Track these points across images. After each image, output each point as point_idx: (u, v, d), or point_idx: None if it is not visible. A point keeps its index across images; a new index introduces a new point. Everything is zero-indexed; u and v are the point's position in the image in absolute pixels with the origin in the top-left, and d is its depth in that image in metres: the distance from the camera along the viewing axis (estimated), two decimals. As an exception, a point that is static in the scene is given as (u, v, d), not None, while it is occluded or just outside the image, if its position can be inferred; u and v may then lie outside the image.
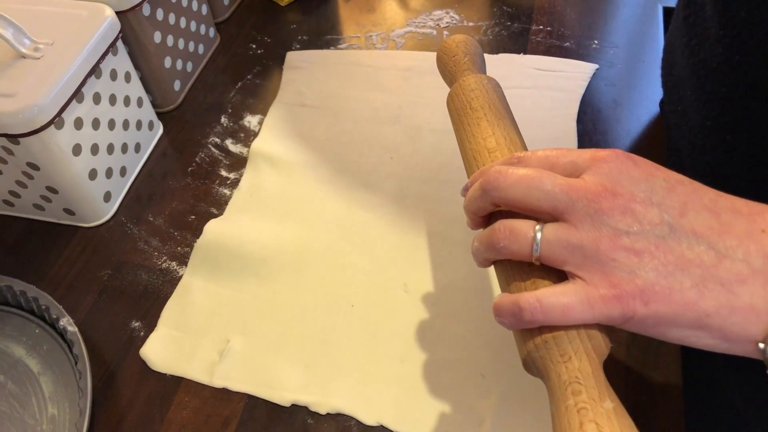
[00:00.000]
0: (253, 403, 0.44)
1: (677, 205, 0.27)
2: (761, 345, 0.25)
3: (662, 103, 0.57)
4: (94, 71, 0.51)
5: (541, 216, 0.30)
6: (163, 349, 0.47)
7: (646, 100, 0.61)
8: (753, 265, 0.26)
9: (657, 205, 0.27)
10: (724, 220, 0.27)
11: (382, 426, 0.42)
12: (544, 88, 0.62)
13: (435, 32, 0.69)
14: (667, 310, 0.26)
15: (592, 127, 0.59)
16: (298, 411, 0.44)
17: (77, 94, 0.49)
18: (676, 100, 0.44)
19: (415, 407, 0.43)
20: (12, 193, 0.54)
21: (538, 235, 0.29)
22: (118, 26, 0.52)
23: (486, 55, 0.65)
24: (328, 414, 0.43)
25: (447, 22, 0.70)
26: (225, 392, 0.45)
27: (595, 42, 0.66)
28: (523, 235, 0.29)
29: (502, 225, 0.30)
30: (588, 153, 0.30)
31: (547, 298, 0.28)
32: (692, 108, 0.43)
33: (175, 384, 0.46)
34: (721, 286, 0.26)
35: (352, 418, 0.43)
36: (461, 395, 0.43)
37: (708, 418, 0.49)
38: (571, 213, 0.28)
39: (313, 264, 0.51)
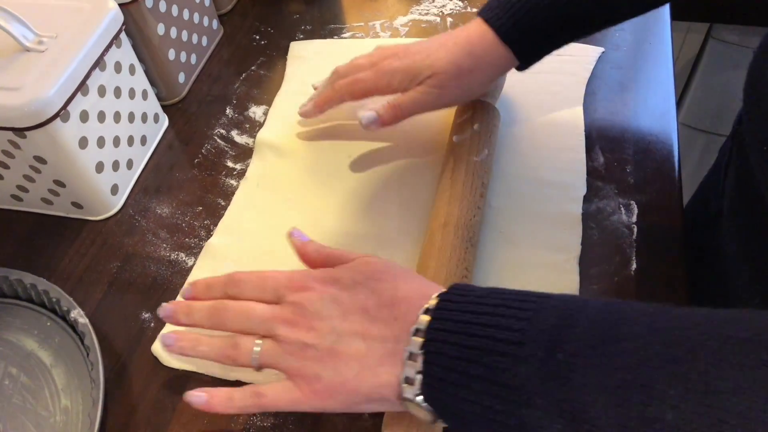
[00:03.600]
0: (264, 391, 0.44)
1: (340, 314, 0.36)
2: (401, 402, 0.34)
3: (739, 121, 0.51)
4: (99, 64, 0.51)
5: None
6: (175, 343, 0.47)
7: (653, 82, 0.60)
8: (387, 348, 0.34)
9: (327, 318, 0.36)
10: (372, 315, 0.35)
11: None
12: (550, 72, 0.61)
13: (439, 19, 0.69)
14: (346, 398, 0.35)
15: (598, 110, 0.58)
16: (310, 398, 0.44)
17: (82, 87, 0.49)
18: (763, 137, 0.38)
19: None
20: (20, 187, 0.54)
21: (256, 348, 0.38)
22: (121, 18, 0.52)
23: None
24: (339, 401, 0.43)
25: (451, 9, 0.70)
26: (236, 382, 0.45)
27: (601, 25, 0.66)
28: (245, 348, 0.38)
29: (233, 339, 0.39)
30: (282, 281, 0.39)
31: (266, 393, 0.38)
32: None
33: (187, 374, 0.46)
34: (369, 371, 0.35)
35: (363, 405, 0.43)
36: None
37: None
38: (274, 336, 0.38)
39: (321, 252, 0.51)
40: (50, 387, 0.46)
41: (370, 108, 0.50)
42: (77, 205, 0.55)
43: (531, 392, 0.29)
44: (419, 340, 0.33)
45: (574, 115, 0.57)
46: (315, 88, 0.58)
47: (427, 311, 0.33)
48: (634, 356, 0.27)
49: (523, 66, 0.50)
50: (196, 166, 0.59)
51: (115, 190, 0.56)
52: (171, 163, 0.60)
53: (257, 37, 0.71)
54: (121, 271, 0.52)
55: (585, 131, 0.56)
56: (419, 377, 0.32)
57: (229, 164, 0.59)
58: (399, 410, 0.36)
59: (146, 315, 0.49)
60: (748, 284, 0.46)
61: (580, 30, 0.49)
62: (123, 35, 0.53)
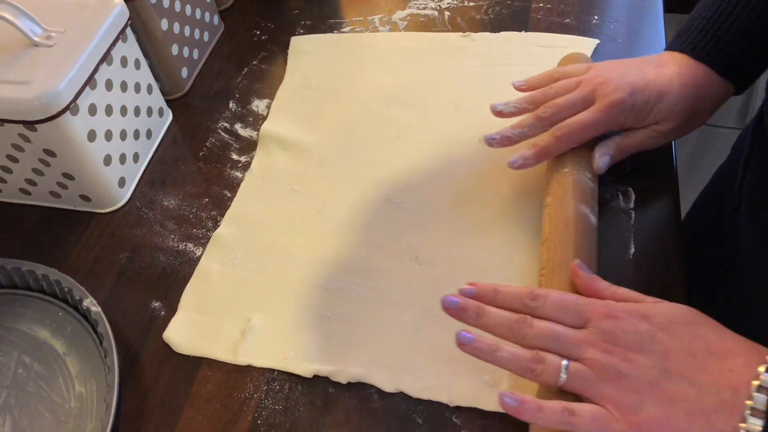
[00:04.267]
0: (275, 375, 0.46)
1: (661, 351, 0.35)
2: None
3: (760, 117, 0.52)
4: (106, 58, 0.51)
5: None
6: (186, 332, 0.48)
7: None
8: (722, 398, 0.33)
9: (646, 353, 0.35)
10: (700, 361, 0.35)
11: (401, 392, 0.44)
12: (547, 65, 0.62)
13: (437, 13, 0.70)
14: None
15: (595, 100, 0.60)
16: (320, 381, 0.45)
17: (90, 81, 0.50)
18: None
19: (432, 374, 0.44)
20: (29, 181, 0.55)
21: (565, 364, 0.37)
22: (126, 13, 0.53)
23: (488, 34, 0.66)
24: (348, 383, 0.44)
25: (448, 3, 0.71)
26: (247, 366, 0.46)
27: (595, 17, 0.67)
28: (553, 365, 0.37)
29: (537, 354, 0.37)
30: (588, 307, 0.38)
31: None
32: None
33: (198, 360, 0.47)
34: (701, 415, 0.33)
35: (372, 386, 0.44)
36: (477, 361, 0.44)
37: None
38: (583, 359, 0.37)
39: (327, 240, 0.52)
40: (64, 375, 0.47)
41: (601, 148, 0.48)
42: (85, 198, 0.56)
43: None
44: (764, 396, 0.32)
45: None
46: (507, 113, 0.52)
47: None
48: None
49: (739, 92, 0.49)
50: (201, 159, 0.60)
51: (122, 182, 0.57)
52: (176, 156, 0.61)
53: (258, 33, 0.72)
54: (129, 262, 0.53)
55: (582, 120, 0.58)
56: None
57: (234, 157, 0.60)
58: None
59: (156, 304, 0.50)
60: (763, 287, 0.47)
61: None
62: (128, 30, 0.54)
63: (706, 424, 0.33)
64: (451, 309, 0.39)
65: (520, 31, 0.66)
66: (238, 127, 0.62)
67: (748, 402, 0.33)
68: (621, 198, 0.52)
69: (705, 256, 0.57)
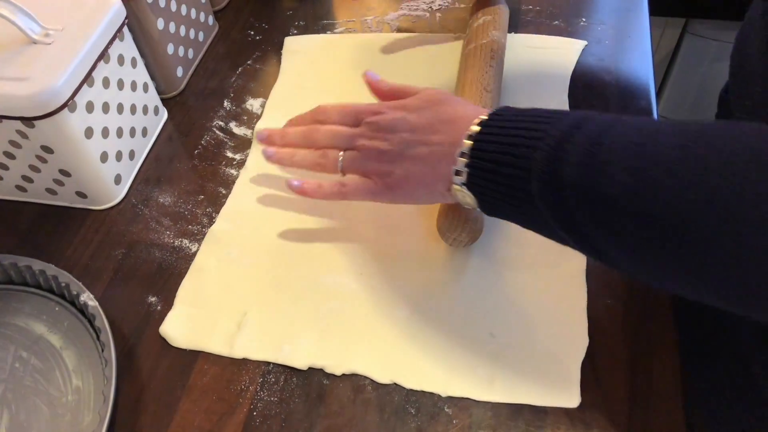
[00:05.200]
0: (271, 367, 0.46)
1: (409, 128, 0.45)
2: (450, 192, 0.43)
3: (725, 92, 0.57)
4: (103, 56, 0.52)
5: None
6: (182, 326, 0.49)
7: (634, 74, 0.63)
8: (445, 150, 0.42)
9: (398, 132, 0.45)
10: (436, 128, 0.44)
11: (394, 383, 0.45)
12: (536, 65, 0.64)
13: (428, 14, 0.71)
14: (410, 189, 0.45)
15: (583, 100, 0.61)
16: (315, 373, 0.46)
17: (88, 78, 0.51)
18: (745, 94, 0.46)
19: (426, 365, 0.45)
20: (25, 178, 0.55)
21: (341, 156, 0.48)
22: (123, 12, 0.54)
23: (479, 35, 0.68)
24: (343, 375, 0.45)
25: (440, 4, 0.72)
26: (243, 359, 0.47)
27: (583, 20, 0.69)
28: (333, 157, 0.48)
29: (322, 152, 0.49)
30: (362, 109, 0.49)
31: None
32: (761, 107, 0.44)
33: (194, 353, 0.48)
34: (431, 166, 0.43)
35: (366, 378, 0.45)
36: (470, 353, 0.45)
37: (703, 355, 0.52)
38: (355, 147, 0.48)
39: (322, 235, 0.53)
40: (61, 368, 0.48)
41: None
42: (81, 195, 0.56)
43: (536, 170, 0.37)
44: (469, 143, 0.41)
45: (561, 105, 0.60)
46: None
47: (478, 124, 0.41)
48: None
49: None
50: (196, 157, 0.61)
51: (118, 179, 0.57)
52: (171, 154, 0.62)
53: (252, 33, 0.72)
54: (126, 258, 0.54)
55: (571, 119, 0.59)
56: (467, 170, 0.41)
57: (229, 155, 0.61)
58: (447, 201, 0.46)
59: (152, 299, 0.51)
60: None
61: None
62: (125, 29, 0.55)
63: (433, 171, 0.43)
64: (262, 138, 0.52)
65: (510, 32, 0.68)
66: (232, 125, 0.63)
67: (460, 149, 0.41)
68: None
69: None
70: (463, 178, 0.41)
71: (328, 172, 0.49)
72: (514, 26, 0.68)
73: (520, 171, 0.38)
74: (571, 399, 0.43)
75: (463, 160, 0.41)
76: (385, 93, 0.51)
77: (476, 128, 0.41)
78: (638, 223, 0.33)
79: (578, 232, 0.37)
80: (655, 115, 0.60)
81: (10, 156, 0.53)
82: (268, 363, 0.47)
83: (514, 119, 0.40)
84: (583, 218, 0.36)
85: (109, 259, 0.54)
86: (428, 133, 0.44)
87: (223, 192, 0.57)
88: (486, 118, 0.41)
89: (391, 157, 0.45)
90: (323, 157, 0.48)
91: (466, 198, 0.42)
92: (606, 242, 0.35)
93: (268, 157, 0.51)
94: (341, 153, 0.48)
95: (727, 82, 0.55)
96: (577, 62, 0.64)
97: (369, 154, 0.46)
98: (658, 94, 1.12)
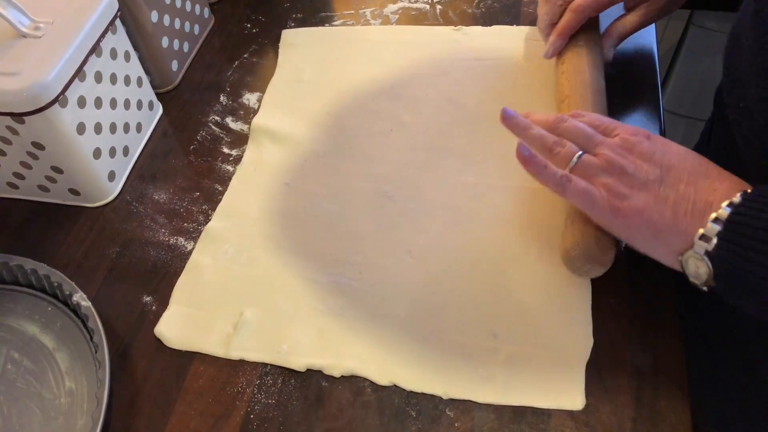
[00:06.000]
0: (268, 369, 0.45)
1: (666, 165, 0.40)
2: (681, 254, 0.39)
3: (719, 90, 0.55)
4: (95, 50, 0.51)
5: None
6: (178, 327, 0.48)
7: (639, 66, 0.62)
8: (697, 206, 0.38)
9: (653, 163, 0.41)
10: (693, 179, 0.39)
11: (394, 385, 0.44)
12: (538, 58, 0.63)
13: (428, 6, 0.70)
14: (635, 224, 0.40)
15: (587, 93, 0.60)
16: (313, 375, 0.45)
17: (79, 73, 0.49)
18: (738, 95, 0.44)
19: (426, 366, 0.44)
20: (16, 175, 0.54)
21: (580, 154, 0.43)
22: (116, 5, 0.53)
23: (479, 28, 0.66)
24: (342, 376, 0.44)
25: (440, -4, 0.71)
26: (240, 361, 0.46)
27: (587, 11, 0.67)
28: (570, 150, 0.43)
29: (560, 141, 0.44)
30: (619, 126, 0.43)
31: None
32: (755, 108, 0.43)
33: (190, 354, 0.47)
34: (673, 214, 0.39)
35: (365, 380, 0.44)
36: (472, 354, 0.44)
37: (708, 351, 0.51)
38: (597, 154, 0.43)
39: (320, 234, 0.52)
40: (54, 370, 0.47)
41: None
42: (74, 192, 0.55)
43: None
44: (727, 211, 0.36)
45: (564, 99, 0.59)
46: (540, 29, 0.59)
47: (742, 194, 0.37)
48: None
49: None
50: (191, 153, 0.60)
51: (111, 176, 0.56)
52: (166, 150, 0.60)
53: (248, 26, 0.71)
54: (120, 256, 0.53)
55: (574, 113, 0.58)
56: (716, 239, 0.36)
57: (225, 150, 0.59)
58: (665, 261, 0.40)
59: (147, 298, 0.50)
60: None
61: None
62: (118, 22, 0.54)
63: (674, 222, 0.39)
64: (508, 115, 0.45)
65: (511, 24, 0.66)
66: (229, 120, 0.62)
67: (714, 214, 0.37)
68: (613, 191, 0.52)
69: None
70: (708, 246, 0.37)
71: (555, 162, 0.43)
72: (516, 18, 0.67)
73: None
74: (576, 401, 0.42)
75: (717, 226, 0.36)
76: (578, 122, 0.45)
77: (738, 198, 0.37)
78: None
79: None
80: (659, 108, 0.58)
81: (1, 153, 0.52)
82: (266, 364, 0.46)
83: None
84: None
85: (103, 257, 0.53)
86: (677, 179, 0.39)
87: (219, 189, 0.56)
88: (749, 191, 0.37)
89: (633, 182, 0.40)
90: (559, 145, 0.43)
91: (700, 269, 0.37)
92: None
93: (507, 117, 0.45)
94: (579, 152, 0.43)
95: (721, 82, 0.53)
96: (581, 55, 0.63)
97: (611, 167, 0.41)
98: (663, 86, 1.11)
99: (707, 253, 0.37)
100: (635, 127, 0.43)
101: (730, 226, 0.36)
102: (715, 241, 0.36)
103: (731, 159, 0.46)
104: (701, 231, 0.37)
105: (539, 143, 0.44)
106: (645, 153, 0.41)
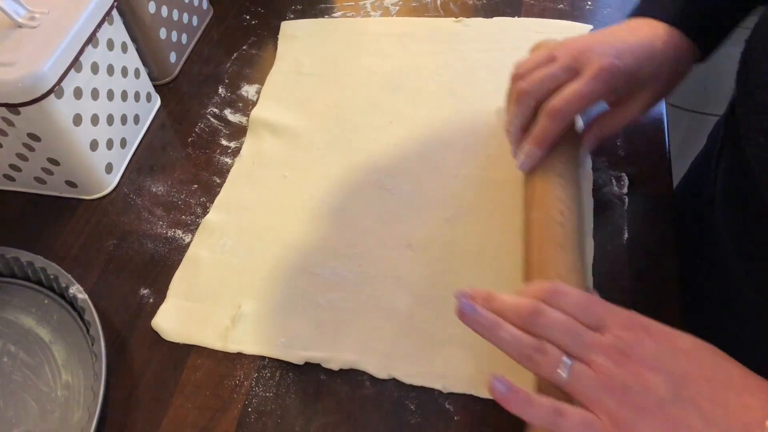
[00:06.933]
0: (266, 362, 0.45)
1: (679, 374, 0.32)
2: None
3: (734, 105, 0.46)
4: (91, 40, 0.50)
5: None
6: (175, 319, 0.47)
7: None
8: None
9: (662, 372, 0.32)
10: (717, 391, 0.31)
11: (394, 379, 0.43)
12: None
13: (429, -2, 0.69)
14: None
15: (588, 86, 0.59)
16: (311, 368, 0.44)
17: (75, 63, 0.49)
18: (758, 110, 0.37)
19: (425, 360, 0.44)
20: (12, 167, 0.54)
21: (567, 362, 0.34)
22: (113, -5, 0.52)
23: (481, 19, 0.66)
24: (340, 370, 0.44)
25: (441, -12, 0.70)
26: (238, 354, 0.45)
27: (589, 3, 0.66)
28: (554, 357, 0.34)
29: (540, 343, 0.34)
30: (609, 314, 0.35)
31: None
32: None
33: (188, 347, 0.46)
34: None
35: (364, 373, 0.44)
36: (473, 347, 0.44)
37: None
38: (589, 362, 0.33)
39: (318, 226, 0.51)
40: (50, 363, 0.46)
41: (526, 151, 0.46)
42: (71, 184, 0.55)
43: None
44: None
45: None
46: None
47: None
48: None
49: (704, 58, 0.47)
50: (189, 145, 0.59)
51: (109, 168, 0.55)
52: (164, 142, 0.60)
53: (247, 17, 0.70)
54: (117, 249, 0.52)
55: (576, 106, 0.57)
56: None
57: (224, 143, 0.59)
58: None
59: (145, 291, 0.50)
60: (742, 275, 0.46)
61: (746, 11, 0.46)
62: (115, 12, 0.53)
63: None
64: (462, 295, 0.36)
65: (513, 16, 0.66)
66: (227, 112, 0.61)
67: None
68: (614, 184, 0.52)
69: (689, 243, 0.57)
70: None
71: (539, 374, 0.35)
72: (517, 10, 0.66)
73: None
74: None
75: None
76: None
77: None
78: None
79: None
80: (663, 104, 0.58)
81: (-3, 144, 0.52)
82: (264, 358, 0.45)
83: None
84: None
85: (100, 250, 0.52)
86: (697, 393, 0.31)
87: (218, 181, 0.56)
88: None
89: (641, 403, 0.31)
90: (539, 351, 0.34)
91: None
92: None
93: (464, 315, 0.36)
94: (568, 360, 0.34)
95: (732, 100, 0.48)
96: (583, 47, 0.62)
97: (611, 383, 0.32)
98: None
99: None
100: (628, 314, 0.35)
101: None
102: None
103: (744, 186, 0.43)
104: None
105: (514, 350, 0.35)
106: (648, 357, 0.33)
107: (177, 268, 0.50)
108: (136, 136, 0.59)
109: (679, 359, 0.32)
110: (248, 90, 0.63)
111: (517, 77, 0.48)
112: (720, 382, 0.32)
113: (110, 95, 0.54)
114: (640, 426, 0.31)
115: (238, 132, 0.59)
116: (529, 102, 0.46)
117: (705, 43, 0.46)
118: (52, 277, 0.48)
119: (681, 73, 0.47)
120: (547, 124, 0.45)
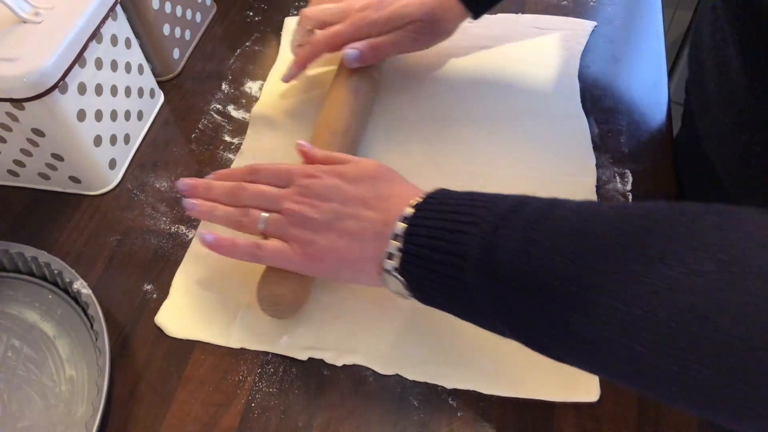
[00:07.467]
0: (269, 358, 0.45)
1: (341, 199, 0.42)
2: (380, 275, 0.40)
3: (688, 83, 0.55)
4: (95, 36, 0.50)
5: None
6: (178, 315, 0.48)
7: (645, 55, 0.61)
8: (377, 229, 0.40)
9: (329, 201, 0.42)
10: (369, 204, 0.41)
11: (397, 375, 0.43)
12: (544, 47, 0.62)
13: (432, -6, 0.69)
14: (332, 264, 0.42)
15: (593, 82, 0.59)
16: (314, 364, 0.44)
17: (79, 59, 0.49)
18: (700, 88, 0.44)
19: (430, 356, 0.44)
20: (17, 162, 0.54)
21: (264, 215, 0.44)
22: (116, -10, 0.52)
23: (485, 16, 0.65)
24: (344, 365, 0.44)
25: (444, -16, 0.70)
26: (241, 349, 0.46)
27: (593, 0, 0.66)
28: (254, 216, 0.44)
29: (245, 210, 0.45)
30: (295, 171, 0.45)
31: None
32: (713, 101, 0.43)
33: (191, 343, 0.46)
34: (359, 243, 0.41)
35: (367, 369, 0.44)
36: (479, 345, 0.44)
37: None
38: (281, 210, 0.44)
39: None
40: (54, 358, 0.46)
41: (352, 46, 0.54)
42: (75, 180, 0.55)
43: (472, 257, 0.35)
44: (403, 225, 0.38)
45: (570, 87, 0.58)
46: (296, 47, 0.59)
47: (413, 206, 0.39)
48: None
49: (475, 17, 0.56)
50: (193, 141, 0.59)
51: (112, 164, 0.56)
52: (168, 138, 0.60)
53: (251, 14, 0.70)
54: (121, 244, 0.52)
55: (580, 102, 0.57)
56: (399, 254, 0.38)
57: (227, 138, 0.59)
58: (373, 284, 0.42)
59: (148, 287, 0.50)
60: None
61: None
62: (119, 8, 0.53)
63: (361, 250, 0.40)
64: (184, 189, 0.47)
65: (516, 12, 0.66)
66: (231, 108, 0.61)
67: (393, 230, 0.38)
68: (618, 180, 0.52)
69: None
70: (395, 263, 0.38)
71: (249, 232, 0.45)
72: (521, 6, 0.66)
73: (454, 258, 0.35)
74: (591, 393, 0.41)
75: (396, 243, 0.38)
76: (320, 161, 0.46)
77: (411, 210, 0.38)
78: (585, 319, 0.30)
79: (519, 325, 0.34)
80: (665, 99, 0.58)
81: (1, 139, 0.52)
82: (267, 353, 0.45)
83: (450, 202, 0.38)
84: (522, 311, 0.33)
85: (104, 245, 0.52)
86: (360, 208, 0.41)
87: (221, 177, 0.56)
88: (421, 200, 0.39)
89: (316, 225, 0.42)
90: (244, 216, 0.44)
91: (399, 285, 0.39)
92: (548, 336, 0.33)
93: (189, 210, 0.46)
94: (264, 214, 0.44)
95: (687, 80, 0.54)
96: (587, 44, 0.62)
97: (294, 219, 0.42)
98: (670, 76, 1.10)
99: (396, 269, 0.38)
100: (313, 166, 0.45)
101: (407, 238, 0.38)
102: (398, 255, 0.38)
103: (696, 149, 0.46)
104: (386, 250, 0.38)
105: (227, 221, 0.45)
106: (321, 192, 0.42)
107: (180, 264, 0.50)
108: (139, 132, 0.59)
109: (341, 189, 0.42)
110: (251, 86, 0.63)
111: (306, 11, 0.57)
112: (372, 197, 0.41)
113: (114, 91, 0.54)
114: (317, 241, 0.41)
115: (242, 128, 0.59)
116: (306, 25, 0.56)
117: (472, 3, 0.55)
118: (56, 272, 0.48)
119: (446, 29, 0.56)
120: (308, 50, 0.56)
